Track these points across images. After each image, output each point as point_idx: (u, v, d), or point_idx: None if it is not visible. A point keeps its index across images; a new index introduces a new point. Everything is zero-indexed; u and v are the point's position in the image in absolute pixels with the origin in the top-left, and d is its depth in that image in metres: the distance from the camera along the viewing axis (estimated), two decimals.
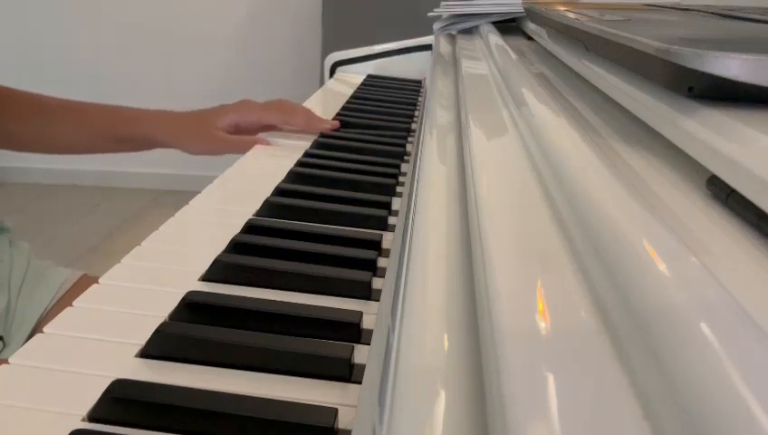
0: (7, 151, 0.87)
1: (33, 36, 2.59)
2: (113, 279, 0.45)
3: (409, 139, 0.85)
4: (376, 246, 0.51)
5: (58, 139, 0.86)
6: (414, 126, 0.91)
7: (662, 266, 0.19)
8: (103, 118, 0.86)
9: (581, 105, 0.51)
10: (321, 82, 1.34)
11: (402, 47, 1.33)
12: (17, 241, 0.79)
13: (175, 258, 0.48)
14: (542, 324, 0.19)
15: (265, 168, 0.71)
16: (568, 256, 0.23)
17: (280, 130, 0.88)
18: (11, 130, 0.83)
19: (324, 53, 1.41)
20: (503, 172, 0.35)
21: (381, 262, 0.49)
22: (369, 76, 1.28)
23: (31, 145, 0.88)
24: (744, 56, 0.28)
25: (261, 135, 0.84)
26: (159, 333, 0.37)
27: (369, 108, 1.00)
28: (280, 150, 0.78)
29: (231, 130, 0.84)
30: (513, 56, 0.66)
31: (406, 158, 0.77)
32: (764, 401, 0.13)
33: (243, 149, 0.81)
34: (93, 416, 0.32)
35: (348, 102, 1.03)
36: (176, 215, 0.56)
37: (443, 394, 0.19)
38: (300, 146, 0.79)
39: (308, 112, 0.88)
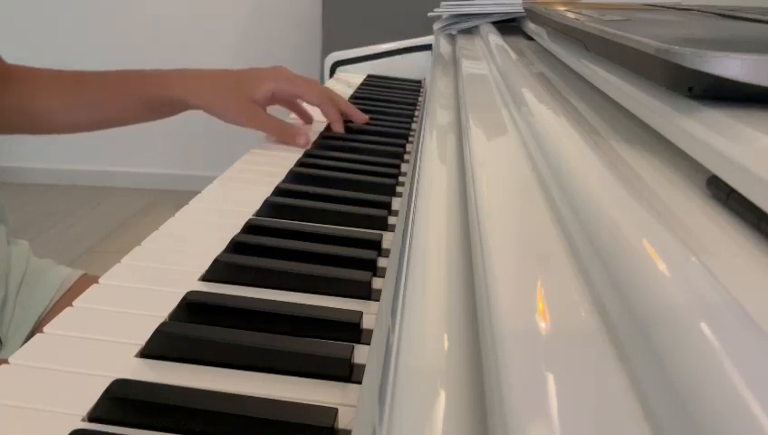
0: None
1: (32, 36, 2.59)
2: (113, 279, 0.45)
3: (409, 139, 0.85)
4: (376, 246, 0.51)
5: (88, 112, 0.81)
6: (414, 126, 0.91)
7: (662, 266, 0.19)
8: (130, 82, 0.80)
9: (581, 105, 0.51)
10: (322, 82, 1.34)
11: (402, 47, 1.33)
12: (16, 240, 0.79)
13: (175, 258, 0.48)
14: (542, 324, 0.19)
15: (265, 167, 0.71)
16: (568, 257, 0.23)
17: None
18: (38, 108, 0.79)
19: (324, 53, 1.41)
20: (503, 172, 0.35)
21: (381, 262, 0.49)
22: (369, 76, 1.28)
23: (59, 122, 0.82)
24: (744, 56, 0.28)
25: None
26: (159, 333, 0.37)
27: (369, 108, 1.00)
28: (280, 150, 0.78)
29: (267, 101, 0.81)
30: (513, 56, 0.66)
31: (406, 158, 0.77)
32: (764, 400, 0.13)
33: (277, 133, 0.79)
34: (93, 416, 0.32)
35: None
36: (176, 215, 0.56)
37: (443, 394, 0.19)
38: (300, 145, 0.79)
39: (342, 105, 0.86)
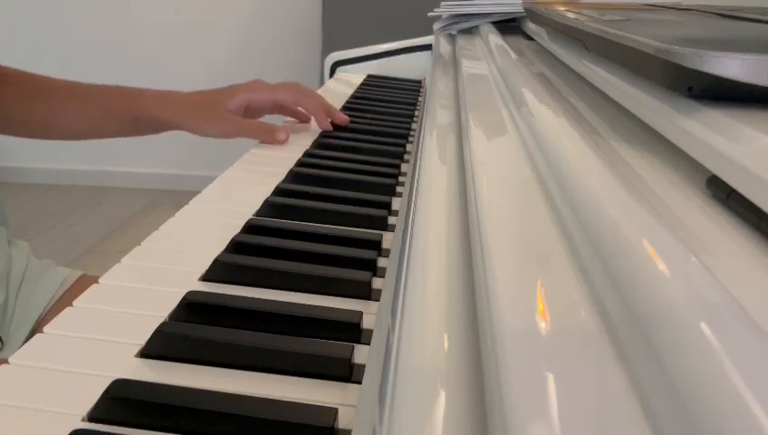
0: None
1: (30, 34, 2.59)
2: (113, 279, 0.45)
3: (409, 139, 0.85)
4: (376, 246, 0.51)
5: (63, 121, 0.83)
6: (414, 126, 0.91)
7: (662, 266, 0.19)
8: (109, 99, 0.82)
9: (581, 105, 0.51)
10: (322, 82, 1.34)
11: (402, 47, 1.33)
12: (16, 240, 0.79)
13: (175, 258, 0.48)
14: (542, 324, 0.19)
15: (265, 167, 0.71)
16: (568, 257, 0.23)
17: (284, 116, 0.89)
18: (13, 112, 0.80)
19: (324, 53, 1.42)
20: (503, 172, 0.35)
21: (381, 262, 0.49)
22: (369, 76, 1.28)
23: (35, 129, 0.84)
24: (744, 56, 0.28)
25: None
26: (159, 333, 0.37)
27: (369, 108, 1.00)
28: (280, 150, 0.78)
29: (242, 111, 0.82)
30: (513, 56, 0.67)
31: (406, 158, 0.77)
32: (764, 400, 0.13)
33: (258, 134, 0.80)
34: (93, 416, 0.32)
35: (348, 102, 1.03)
36: (176, 215, 0.56)
37: (443, 394, 0.19)
38: (300, 146, 0.79)
39: (322, 100, 0.87)
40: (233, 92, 0.82)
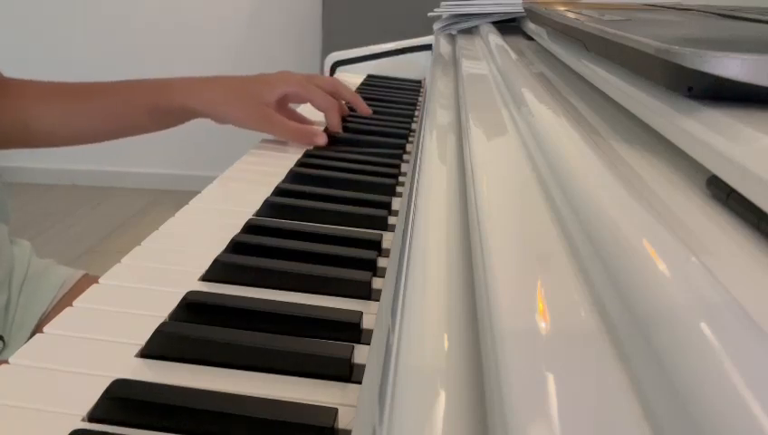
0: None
1: (29, 36, 2.59)
2: (113, 279, 0.45)
3: (409, 139, 0.85)
4: (376, 246, 0.51)
5: (89, 123, 0.79)
6: (414, 126, 0.91)
7: (662, 266, 0.19)
8: (133, 93, 0.79)
9: (581, 105, 0.51)
10: None
11: (402, 47, 1.33)
12: (18, 240, 0.79)
13: (175, 258, 0.48)
14: (542, 324, 0.19)
15: (265, 167, 0.71)
16: (568, 257, 0.23)
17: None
18: (35, 122, 0.77)
19: (324, 53, 1.42)
20: (503, 172, 0.35)
21: (381, 262, 0.49)
22: (369, 76, 1.28)
23: (59, 135, 0.80)
24: (744, 56, 0.28)
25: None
26: (159, 333, 0.37)
27: (369, 107, 1.00)
28: (280, 150, 0.78)
29: (278, 104, 0.80)
30: (513, 56, 0.67)
31: (406, 158, 0.77)
32: (764, 401, 0.13)
33: (296, 138, 0.78)
34: (93, 416, 0.32)
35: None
36: (176, 215, 0.56)
37: (443, 394, 0.19)
38: (300, 146, 0.79)
39: (340, 119, 0.85)
40: (270, 85, 0.79)
